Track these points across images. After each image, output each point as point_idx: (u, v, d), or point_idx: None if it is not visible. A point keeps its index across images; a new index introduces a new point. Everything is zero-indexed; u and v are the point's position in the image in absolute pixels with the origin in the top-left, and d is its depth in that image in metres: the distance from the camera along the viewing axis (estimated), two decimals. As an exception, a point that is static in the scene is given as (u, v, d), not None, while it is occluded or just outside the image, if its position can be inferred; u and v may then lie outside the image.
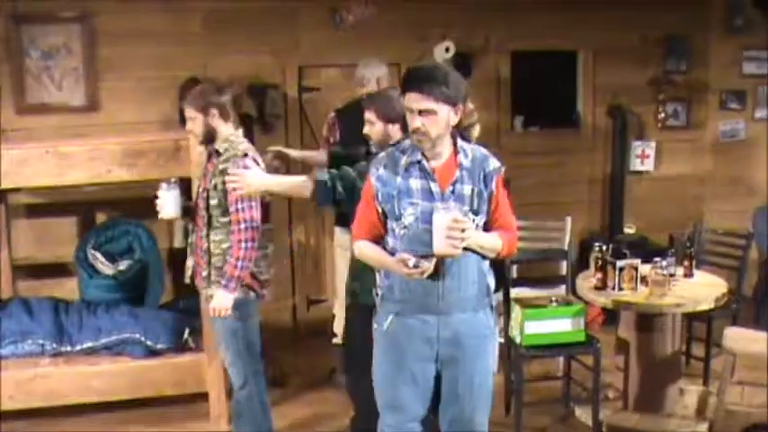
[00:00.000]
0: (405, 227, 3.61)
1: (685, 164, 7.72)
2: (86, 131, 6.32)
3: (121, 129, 6.36)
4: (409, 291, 3.65)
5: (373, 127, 4.46)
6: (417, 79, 3.55)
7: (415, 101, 3.54)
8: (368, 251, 3.77)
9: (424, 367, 3.73)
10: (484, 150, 3.80)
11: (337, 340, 6.05)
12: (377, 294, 3.83)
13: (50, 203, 6.60)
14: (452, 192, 3.63)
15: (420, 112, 3.54)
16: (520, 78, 7.29)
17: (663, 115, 7.61)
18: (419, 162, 3.64)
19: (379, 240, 3.75)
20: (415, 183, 3.63)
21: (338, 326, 6.07)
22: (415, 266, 3.49)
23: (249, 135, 6.52)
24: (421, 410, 3.79)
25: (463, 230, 3.47)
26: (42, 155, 5.25)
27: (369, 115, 4.48)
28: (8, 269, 6.49)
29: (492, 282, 3.82)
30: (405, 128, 4.29)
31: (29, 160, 5.24)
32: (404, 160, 3.66)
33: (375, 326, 3.84)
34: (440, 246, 3.49)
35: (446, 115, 3.57)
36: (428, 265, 3.51)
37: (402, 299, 3.68)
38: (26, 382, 5.40)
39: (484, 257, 3.72)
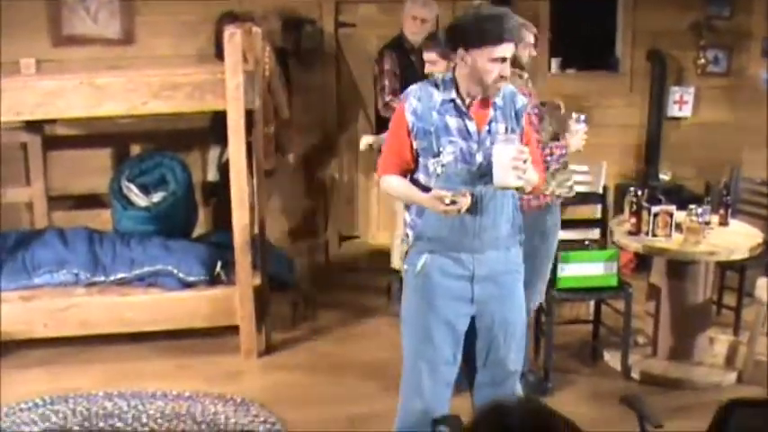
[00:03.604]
0: (443, 165, 3.56)
1: (724, 111, 7.59)
2: (121, 64, 6.33)
3: (156, 62, 6.35)
4: (444, 229, 3.61)
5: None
6: (514, 29, 3.52)
7: (509, 50, 3.51)
8: (398, 186, 3.71)
9: (458, 308, 3.70)
10: (511, 87, 3.76)
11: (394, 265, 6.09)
12: (407, 235, 3.79)
13: (86, 135, 6.63)
14: (488, 131, 3.59)
15: (506, 60, 3.53)
16: (559, 19, 7.18)
17: (703, 61, 7.47)
18: (453, 100, 3.60)
19: (406, 176, 3.68)
20: (452, 121, 3.58)
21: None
22: (453, 203, 3.46)
23: (285, 70, 6.51)
24: (453, 353, 3.75)
25: (524, 161, 3.44)
26: (78, 86, 5.25)
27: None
28: (43, 200, 6.54)
29: (521, 219, 3.81)
30: None
31: (64, 91, 5.24)
32: (437, 96, 3.61)
33: (405, 267, 3.79)
34: (505, 178, 3.44)
35: None
36: (466, 201, 3.48)
37: (437, 237, 3.64)
38: (60, 311, 5.47)
39: (517, 194, 3.69)
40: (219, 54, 5.73)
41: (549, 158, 4.60)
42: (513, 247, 3.77)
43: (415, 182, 3.67)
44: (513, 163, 3.42)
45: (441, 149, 3.57)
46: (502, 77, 3.55)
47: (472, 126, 3.59)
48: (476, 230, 3.61)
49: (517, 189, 3.60)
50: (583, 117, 4.69)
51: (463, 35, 3.54)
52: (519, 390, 3.95)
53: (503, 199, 3.63)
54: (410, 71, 5.98)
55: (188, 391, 5.09)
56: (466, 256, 3.65)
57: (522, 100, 3.72)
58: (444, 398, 3.81)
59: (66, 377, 5.29)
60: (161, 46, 6.65)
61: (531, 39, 4.78)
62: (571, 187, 4.86)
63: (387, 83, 5.95)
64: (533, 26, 4.86)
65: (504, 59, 3.51)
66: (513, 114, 3.66)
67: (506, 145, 3.45)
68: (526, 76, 4.75)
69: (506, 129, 3.61)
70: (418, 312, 3.74)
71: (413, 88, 3.69)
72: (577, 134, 4.66)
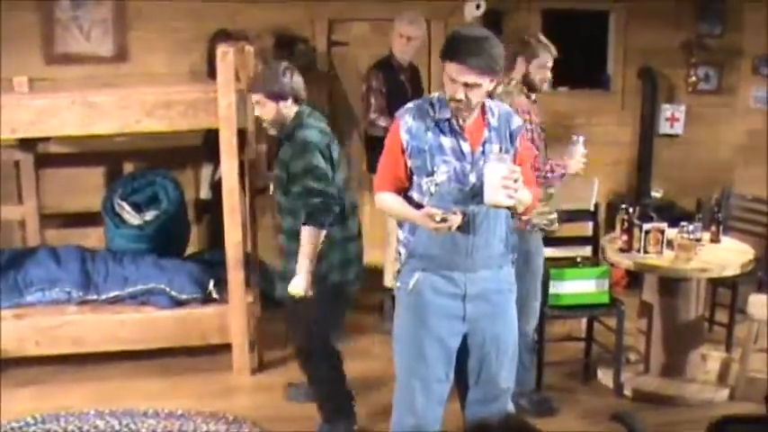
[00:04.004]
0: (436, 184, 3.58)
1: (715, 129, 7.62)
2: (114, 82, 6.34)
3: (150, 80, 6.37)
4: (437, 247, 3.62)
5: (264, 108, 4.48)
6: (464, 52, 3.45)
7: (460, 73, 3.46)
8: (392, 203, 3.72)
9: (450, 325, 3.71)
10: (507, 107, 3.79)
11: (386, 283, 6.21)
12: (399, 253, 3.80)
13: (79, 153, 6.63)
14: (482, 152, 3.60)
15: (464, 84, 3.48)
16: (551, 38, 7.17)
17: (694, 79, 7.52)
18: (448, 120, 3.61)
19: (401, 193, 3.70)
20: (446, 141, 3.59)
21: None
22: (443, 220, 3.47)
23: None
24: (445, 371, 3.76)
25: (515, 180, 3.44)
26: (71, 104, 5.26)
27: (257, 98, 4.49)
28: (36, 218, 6.53)
29: (514, 239, 3.82)
30: (297, 101, 4.47)
31: (57, 110, 5.25)
32: (433, 115, 3.61)
33: (398, 284, 3.81)
34: (495, 196, 3.44)
35: (487, 86, 3.54)
36: (456, 219, 3.49)
37: (429, 255, 3.66)
38: (53, 329, 5.46)
39: (511, 214, 3.71)
40: (212, 72, 5.74)
41: (549, 175, 4.62)
42: (505, 266, 3.78)
43: (409, 199, 3.68)
44: (503, 182, 3.42)
45: (434, 169, 3.58)
46: (457, 100, 3.51)
47: (466, 146, 3.59)
48: (468, 249, 3.62)
49: (509, 208, 3.61)
50: (581, 139, 4.69)
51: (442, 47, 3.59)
52: (511, 407, 3.95)
53: (496, 219, 3.63)
54: (399, 89, 6.03)
55: (180, 409, 5.07)
56: (458, 274, 3.66)
57: (517, 121, 3.73)
58: (436, 415, 3.81)
59: (58, 395, 5.27)
60: (154, 63, 6.67)
61: (548, 61, 4.85)
62: (552, 221, 4.84)
63: (372, 101, 6.05)
64: (554, 48, 4.89)
65: (454, 81, 3.47)
66: (507, 135, 3.67)
67: (498, 164, 3.45)
68: (533, 96, 4.79)
69: (500, 149, 3.61)
70: (411, 330, 3.75)
71: (408, 107, 3.70)
72: (575, 156, 4.69)
